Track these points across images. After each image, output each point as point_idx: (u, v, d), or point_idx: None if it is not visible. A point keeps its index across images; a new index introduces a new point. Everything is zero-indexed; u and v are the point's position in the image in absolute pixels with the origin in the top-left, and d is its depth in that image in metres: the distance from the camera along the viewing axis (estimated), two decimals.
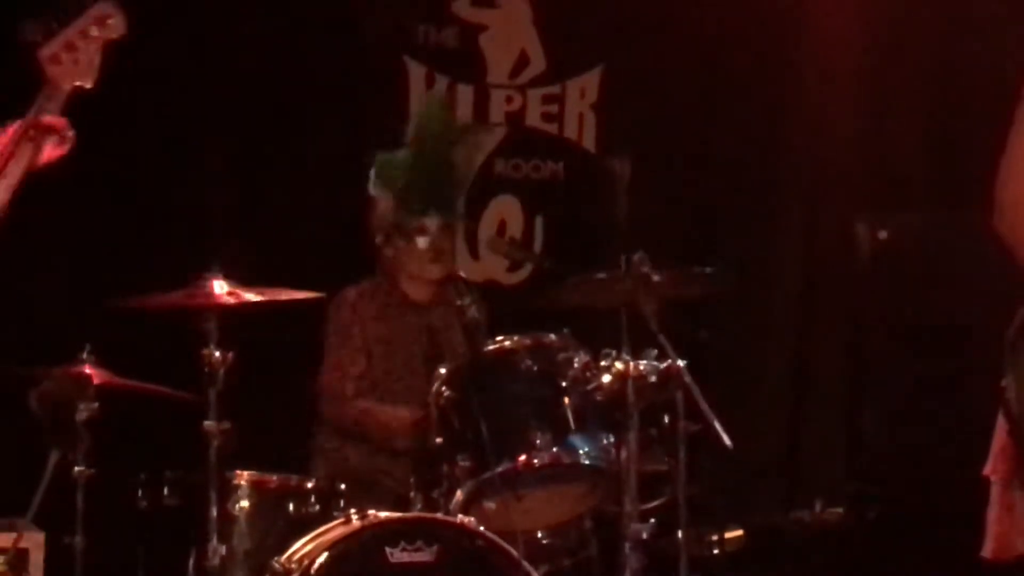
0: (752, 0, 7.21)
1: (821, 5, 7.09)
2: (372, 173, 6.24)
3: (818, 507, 6.47)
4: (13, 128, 4.06)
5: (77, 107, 4.11)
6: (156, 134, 6.75)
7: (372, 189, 6.23)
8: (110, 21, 4.09)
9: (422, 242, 6.10)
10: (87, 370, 5.80)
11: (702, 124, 7.33)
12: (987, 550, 3.89)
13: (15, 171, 4.06)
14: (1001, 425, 3.80)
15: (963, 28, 6.54)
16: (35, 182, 4.08)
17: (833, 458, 6.85)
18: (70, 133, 4.12)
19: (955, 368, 6.40)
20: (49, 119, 4.06)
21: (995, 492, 3.86)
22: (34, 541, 5.30)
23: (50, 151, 4.13)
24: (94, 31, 4.09)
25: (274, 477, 5.76)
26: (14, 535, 5.32)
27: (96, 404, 5.82)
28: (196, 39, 6.92)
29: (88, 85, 4.10)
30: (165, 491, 5.82)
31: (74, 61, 4.04)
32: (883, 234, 6.72)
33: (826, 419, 6.97)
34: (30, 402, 5.85)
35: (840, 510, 6.46)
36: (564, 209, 7.49)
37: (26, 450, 5.81)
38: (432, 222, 6.10)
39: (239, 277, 5.68)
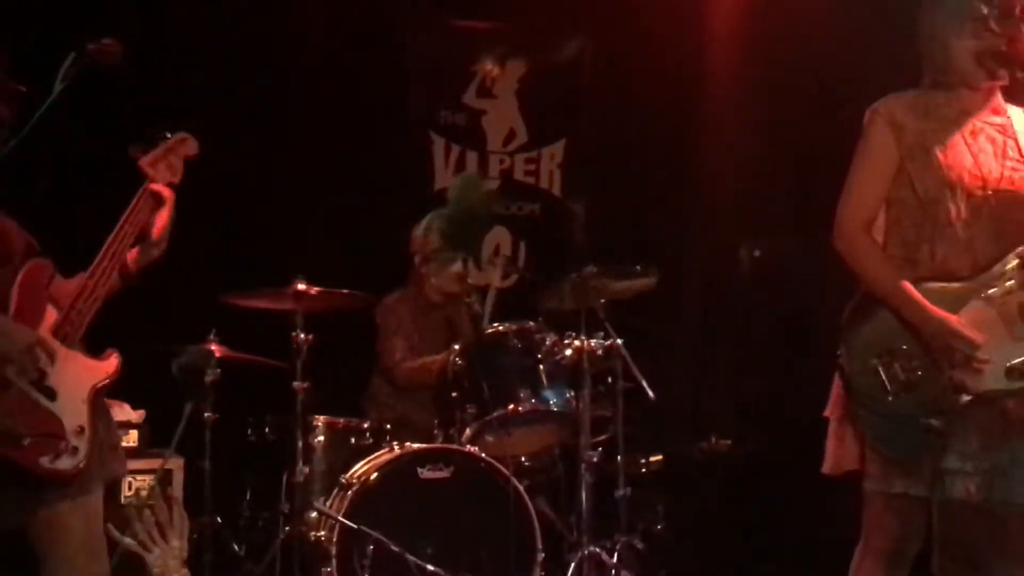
0: (666, 85, 7.31)
1: (716, 83, 7.19)
2: (424, 222, 6.41)
3: (713, 440, 6.70)
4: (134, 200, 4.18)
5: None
6: (259, 184, 6.89)
7: (422, 232, 6.39)
8: (188, 144, 4.39)
9: (454, 268, 6.28)
10: (212, 346, 5.96)
11: (634, 176, 7.46)
12: (825, 468, 4.11)
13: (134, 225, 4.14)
14: (836, 381, 4.05)
15: (836, 85, 6.41)
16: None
17: (724, 406, 7.03)
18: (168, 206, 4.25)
19: (809, 346, 6.51)
20: (156, 187, 4.24)
21: (831, 427, 4.10)
22: (176, 464, 5.39)
23: (157, 215, 4.23)
24: (179, 150, 4.35)
25: (341, 420, 6.04)
26: (162, 460, 5.40)
27: (219, 370, 5.95)
28: (285, 115, 7.04)
29: (175, 181, 4.30)
30: (266, 430, 6.18)
31: (167, 167, 4.28)
32: (757, 252, 6.92)
33: (719, 379, 7.12)
34: (172, 369, 5.96)
35: (728, 442, 6.67)
36: (540, 236, 7.67)
37: (170, 402, 5.84)
38: (461, 256, 6.30)
39: (317, 281, 5.80)
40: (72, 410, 3.93)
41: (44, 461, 3.80)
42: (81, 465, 3.88)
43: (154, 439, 5.66)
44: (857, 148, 4.08)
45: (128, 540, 2.62)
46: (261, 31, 6.87)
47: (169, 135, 4.38)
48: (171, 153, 4.34)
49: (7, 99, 4.01)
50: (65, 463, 3.85)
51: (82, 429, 3.92)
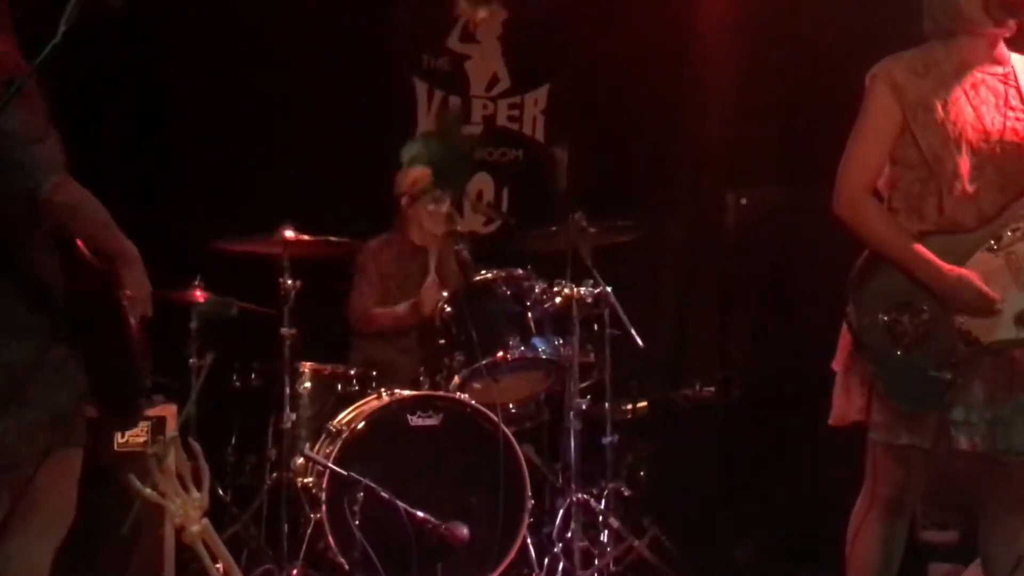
0: (651, 33, 7.24)
1: (702, 33, 7.12)
2: (407, 151, 6.33)
3: (697, 387, 6.69)
4: None
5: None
6: (243, 131, 6.85)
7: (406, 162, 6.31)
8: None
9: (442, 207, 6.26)
10: (196, 293, 5.95)
11: (619, 121, 7.40)
12: (832, 419, 4.08)
13: None
14: (843, 335, 4.05)
15: (821, 38, 6.37)
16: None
17: (708, 353, 7.02)
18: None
19: (794, 293, 6.53)
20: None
21: (838, 379, 4.09)
22: (169, 411, 5.19)
23: None
24: None
25: (327, 367, 6.04)
26: (161, 408, 5.20)
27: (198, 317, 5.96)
28: (269, 62, 6.98)
29: None
30: (252, 376, 6.18)
31: None
32: (744, 201, 6.78)
33: (704, 327, 7.10)
34: (192, 318, 5.99)
35: (712, 389, 6.67)
36: (523, 182, 7.64)
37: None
38: (448, 194, 6.29)
39: (303, 227, 5.82)
40: None
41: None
42: None
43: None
44: (860, 112, 4.05)
45: (149, 491, 2.58)
46: None
47: None
48: None
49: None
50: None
51: None
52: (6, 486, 3.74)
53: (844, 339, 4.07)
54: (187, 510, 2.61)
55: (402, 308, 6.23)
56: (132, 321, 3.76)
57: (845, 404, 4.06)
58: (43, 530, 3.81)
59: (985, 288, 3.84)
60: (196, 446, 2.66)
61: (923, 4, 4.05)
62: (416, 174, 6.28)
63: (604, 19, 7.41)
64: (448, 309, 5.96)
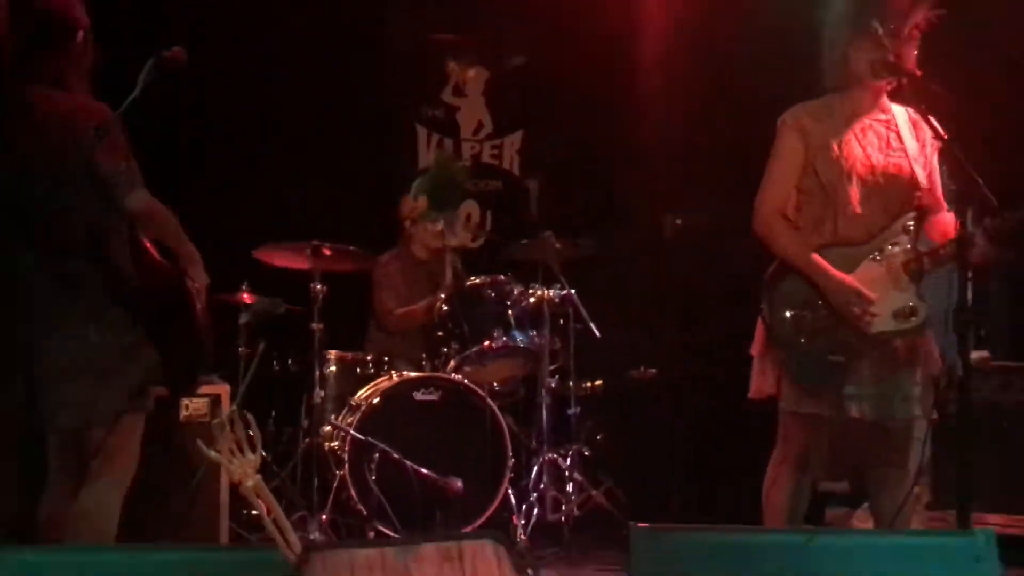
0: (602, 88, 7.20)
1: (645, 87, 7.05)
2: (414, 184, 6.36)
3: (642, 369, 6.65)
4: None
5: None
6: (280, 164, 6.78)
7: (411, 196, 6.32)
8: None
9: (436, 227, 6.25)
10: (245, 295, 5.93)
11: (579, 158, 7.40)
12: (751, 393, 4.10)
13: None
14: (759, 326, 4.06)
15: (743, 92, 6.35)
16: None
17: (651, 342, 6.92)
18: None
19: (717, 296, 6.53)
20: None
21: (755, 362, 4.11)
22: (223, 390, 5.23)
23: None
24: None
25: (349, 354, 6.01)
26: (216, 387, 5.24)
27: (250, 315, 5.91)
28: (306, 110, 6.92)
29: None
30: (289, 362, 6.19)
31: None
32: (678, 222, 6.83)
33: (648, 322, 7.00)
34: (246, 315, 5.93)
35: (654, 370, 6.64)
36: (502, 207, 7.61)
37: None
38: (443, 216, 6.28)
39: (330, 242, 5.73)
40: None
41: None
42: None
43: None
44: (773, 151, 4.07)
45: (214, 453, 2.57)
46: (287, 48, 6.80)
47: None
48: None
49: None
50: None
51: None
52: (91, 440, 3.79)
53: (759, 330, 4.08)
54: (243, 469, 2.59)
55: (421, 306, 6.18)
56: (197, 307, 3.85)
57: (760, 381, 4.08)
58: (113, 479, 3.84)
59: (865, 291, 3.87)
60: (250, 417, 2.65)
61: (823, 63, 4.06)
62: (414, 201, 6.28)
63: (565, 79, 7.36)
64: (445, 308, 5.94)
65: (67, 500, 3.83)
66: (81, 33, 3.80)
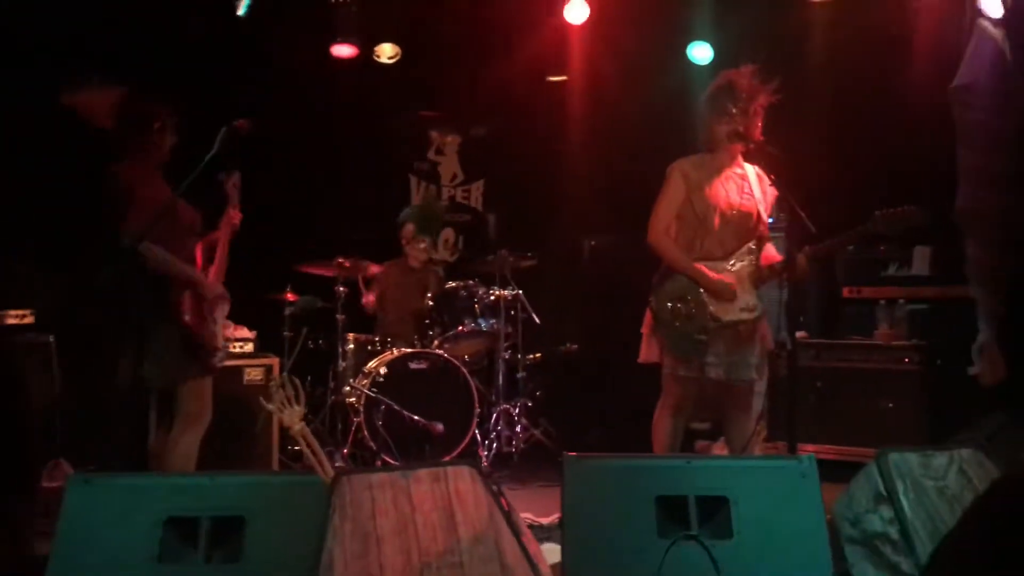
0: (537, 148, 7.11)
1: (571, 144, 6.91)
2: (405, 214, 6.28)
3: (567, 345, 6.63)
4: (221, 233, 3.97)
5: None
6: (316, 200, 6.61)
7: (403, 220, 6.23)
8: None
9: (423, 245, 6.17)
10: (289, 295, 5.84)
11: (524, 197, 7.25)
12: (640, 359, 4.11)
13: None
14: (648, 313, 4.07)
15: (638, 144, 6.23)
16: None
17: (574, 326, 6.88)
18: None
19: (621, 296, 5.99)
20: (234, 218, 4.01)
21: (644, 337, 4.11)
22: (274, 362, 5.17)
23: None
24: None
25: (363, 336, 5.88)
26: (268, 359, 5.18)
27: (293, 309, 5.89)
28: (332, 164, 6.73)
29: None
30: (320, 342, 6.00)
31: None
32: (593, 243, 6.86)
33: (572, 313, 6.96)
34: (293, 308, 5.83)
35: (576, 346, 6.62)
36: (471, 233, 7.53)
37: (268, 327, 5.68)
38: (427, 238, 6.22)
39: (349, 255, 5.74)
40: (220, 331, 3.90)
41: (213, 361, 3.83)
42: (220, 364, 3.89)
43: (262, 347, 5.41)
44: (662, 189, 4.06)
45: (270, 406, 2.57)
46: (324, 122, 6.67)
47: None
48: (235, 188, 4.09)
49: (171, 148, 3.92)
50: (217, 362, 3.85)
51: (223, 344, 3.91)
52: (176, 398, 3.81)
53: (648, 316, 4.09)
54: (292, 418, 2.59)
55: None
56: (186, 317, 3.73)
57: (647, 351, 4.09)
58: (187, 427, 3.83)
59: (732, 284, 3.91)
60: (296, 380, 2.65)
61: (697, 130, 4.08)
62: (409, 227, 6.23)
63: (513, 143, 7.33)
64: (431, 303, 5.90)
65: (163, 441, 3.82)
66: (158, 123, 3.79)
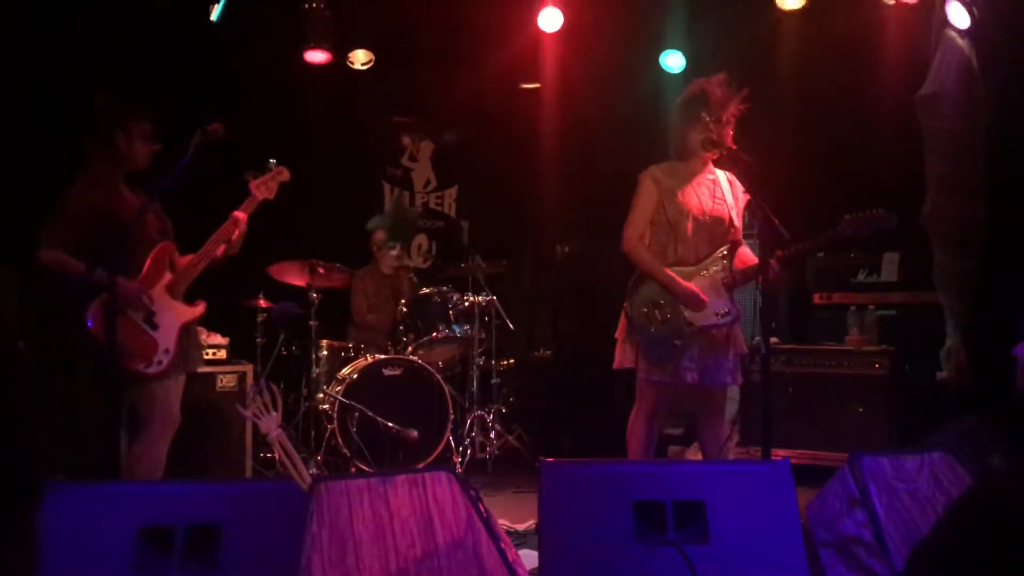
0: (511, 156, 7.10)
1: (542, 144, 6.84)
2: (375, 221, 6.32)
3: (540, 350, 6.72)
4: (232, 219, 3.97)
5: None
6: (290, 205, 6.46)
7: (373, 227, 6.28)
8: (284, 173, 4.15)
9: (394, 252, 6.20)
10: (262, 301, 5.78)
11: (496, 203, 7.29)
12: (615, 365, 4.04)
13: (215, 244, 3.93)
14: (622, 318, 4.04)
15: (611, 152, 6.23)
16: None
17: (547, 332, 6.88)
18: (244, 226, 4.00)
19: (594, 302, 6.47)
20: (242, 215, 3.98)
21: (618, 343, 4.07)
22: (248, 368, 5.10)
23: (236, 236, 4.00)
24: (277, 177, 4.13)
25: (336, 342, 5.86)
26: (241, 366, 5.11)
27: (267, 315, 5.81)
28: (305, 170, 6.78)
29: (270, 198, 4.07)
30: (293, 348, 5.99)
31: (266, 188, 4.06)
32: (567, 248, 6.83)
33: (545, 318, 6.95)
34: (271, 314, 5.80)
35: (549, 352, 6.71)
36: (444, 239, 7.51)
37: (242, 333, 5.60)
38: (398, 244, 6.24)
39: (323, 262, 5.67)
40: (165, 337, 3.79)
41: (140, 367, 3.71)
42: (161, 370, 3.76)
43: (233, 354, 5.34)
44: (635, 195, 4.06)
45: (247, 412, 2.54)
46: (300, 128, 6.59)
47: (273, 162, 4.16)
48: (271, 180, 4.11)
49: (149, 155, 3.88)
50: (151, 369, 3.74)
51: (168, 350, 3.78)
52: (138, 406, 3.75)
53: (622, 320, 4.08)
54: (270, 423, 2.57)
55: (385, 318, 6.09)
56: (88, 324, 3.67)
57: (622, 357, 4.07)
58: (145, 434, 3.79)
59: (702, 294, 3.91)
60: (274, 387, 2.63)
61: (669, 139, 4.08)
62: (380, 234, 6.23)
63: (486, 150, 7.34)
64: (405, 309, 5.88)
65: (130, 448, 3.78)
66: (120, 131, 3.79)
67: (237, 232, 4.01)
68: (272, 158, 4.16)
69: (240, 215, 4.01)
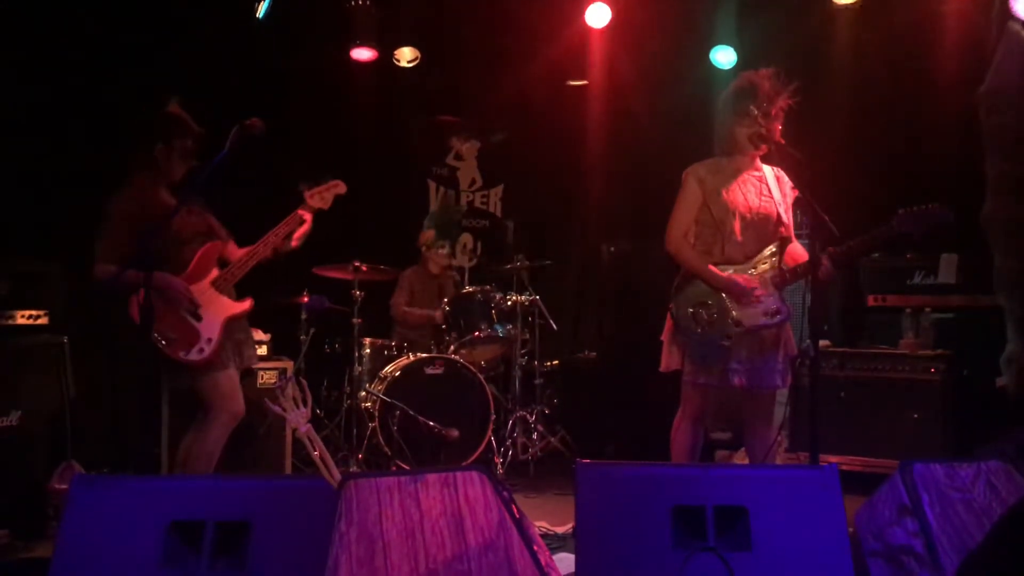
0: (557, 153, 7.09)
1: (589, 151, 6.88)
2: (426, 221, 6.34)
3: (585, 352, 6.63)
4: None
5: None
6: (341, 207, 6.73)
7: (425, 226, 6.30)
8: (339, 186, 4.21)
9: (444, 251, 6.22)
10: (305, 298, 5.80)
11: (541, 203, 7.27)
12: (661, 367, 3.98)
13: (272, 241, 3.99)
14: (668, 319, 3.96)
15: (656, 152, 6.20)
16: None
17: (591, 334, 6.83)
18: (308, 226, 4.08)
19: (639, 303, 6.38)
20: (308, 213, 4.07)
21: (664, 345, 4.00)
22: (289, 364, 5.07)
23: (295, 238, 4.08)
24: (332, 189, 4.18)
25: (379, 340, 5.88)
26: (282, 363, 5.11)
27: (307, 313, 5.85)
28: (358, 173, 6.80)
29: (325, 208, 4.14)
30: (336, 346, 6.05)
31: (320, 199, 4.13)
32: (612, 249, 6.73)
33: (589, 320, 6.95)
34: (303, 312, 5.81)
35: (594, 354, 6.60)
36: (489, 238, 7.50)
37: (284, 330, 5.66)
38: (446, 243, 6.25)
39: (366, 260, 5.66)
40: (209, 328, 3.85)
41: (181, 354, 3.78)
42: (203, 358, 3.82)
43: (275, 350, 5.36)
44: (679, 194, 3.99)
45: (277, 408, 2.52)
46: (348, 128, 6.64)
47: (329, 179, 4.22)
48: (326, 191, 4.18)
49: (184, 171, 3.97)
50: (192, 356, 3.80)
51: (210, 340, 3.84)
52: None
53: (668, 322, 4.01)
54: (298, 419, 2.54)
55: (421, 314, 6.10)
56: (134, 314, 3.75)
57: (668, 359, 4.00)
58: (201, 422, 3.92)
59: (747, 283, 3.81)
60: (303, 382, 2.59)
61: (715, 135, 4.00)
62: (429, 233, 6.22)
63: (531, 149, 7.31)
64: (447, 308, 5.85)
65: (188, 438, 3.92)
66: (161, 147, 3.92)
67: (300, 230, 4.10)
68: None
69: (306, 213, 4.09)
